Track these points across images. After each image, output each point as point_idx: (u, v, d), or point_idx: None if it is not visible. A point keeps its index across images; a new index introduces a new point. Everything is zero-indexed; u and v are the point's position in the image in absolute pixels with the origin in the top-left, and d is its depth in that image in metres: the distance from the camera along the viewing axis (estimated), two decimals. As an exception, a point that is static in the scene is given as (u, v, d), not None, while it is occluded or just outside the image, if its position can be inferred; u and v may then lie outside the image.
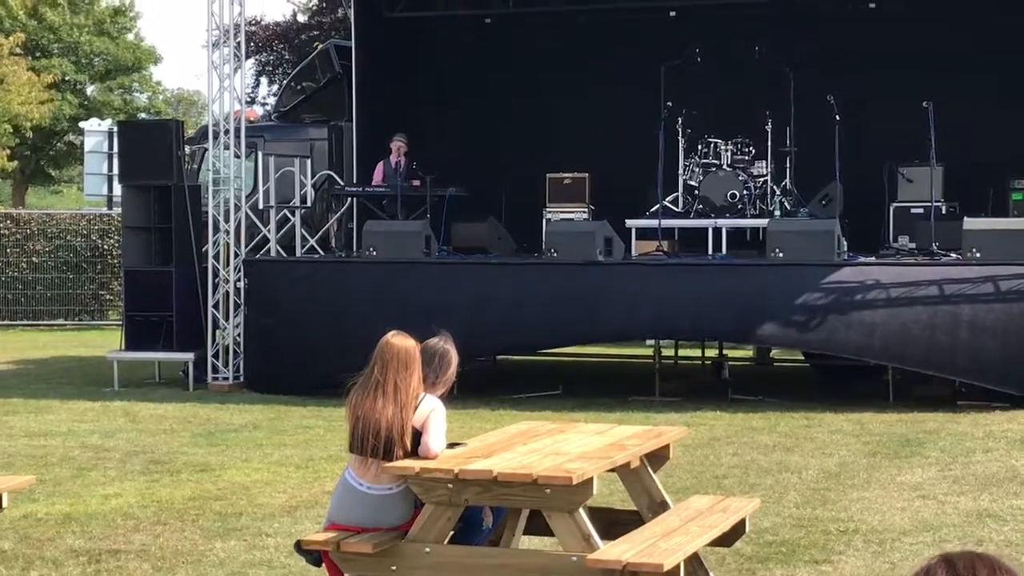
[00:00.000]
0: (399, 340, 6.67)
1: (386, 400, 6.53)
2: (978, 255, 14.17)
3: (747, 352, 18.80)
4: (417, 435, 6.56)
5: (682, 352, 17.71)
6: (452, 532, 6.63)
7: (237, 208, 16.82)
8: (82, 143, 31.58)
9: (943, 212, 15.96)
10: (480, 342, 15.14)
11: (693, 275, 15.05)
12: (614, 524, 7.11)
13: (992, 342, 13.93)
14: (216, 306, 16.74)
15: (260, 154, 18.67)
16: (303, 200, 17.56)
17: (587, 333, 15.61)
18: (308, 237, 17.69)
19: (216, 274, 16.76)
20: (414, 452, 6.55)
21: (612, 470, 6.91)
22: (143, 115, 44.73)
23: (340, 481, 6.73)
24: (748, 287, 14.63)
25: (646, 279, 15.07)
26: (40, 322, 26.76)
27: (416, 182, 17.33)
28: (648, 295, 14.85)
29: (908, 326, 14.11)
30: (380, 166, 17.93)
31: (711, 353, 17.57)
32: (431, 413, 6.60)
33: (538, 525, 6.82)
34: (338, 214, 19.09)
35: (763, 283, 14.61)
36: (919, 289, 14.14)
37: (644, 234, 16.61)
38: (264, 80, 33.91)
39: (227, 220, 16.75)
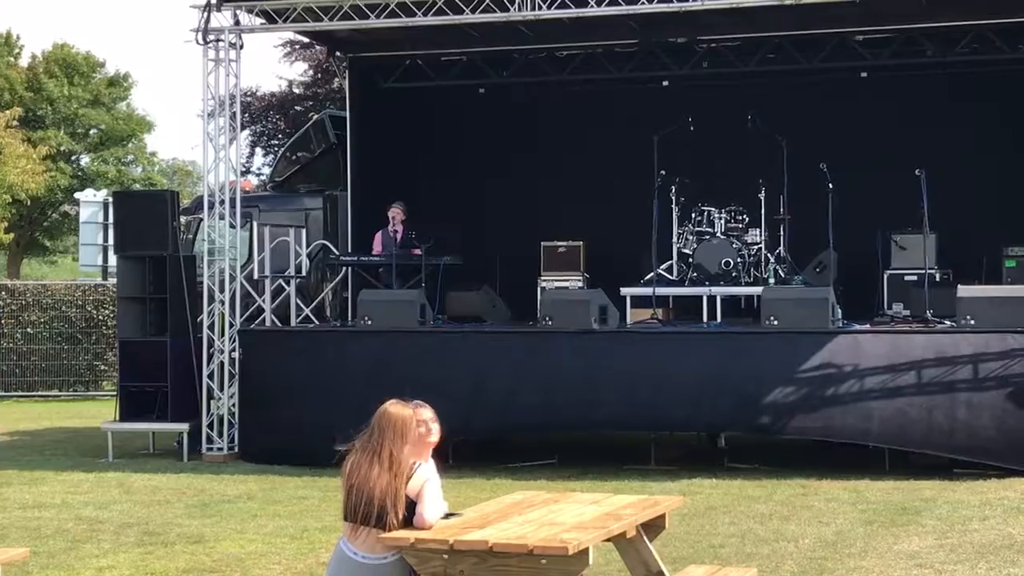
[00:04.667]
0: (397, 409, 6.70)
1: (381, 468, 6.52)
2: (972, 322, 14.17)
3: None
4: (412, 504, 6.55)
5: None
6: (447, 603, 6.60)
7: (232, 278, 16.82)
8: (77, 214, 31.68)
9: (937, 279, 16.02)
10: (476, 419, 15.07)
11: (689, 351, 14.93)
12: (610, 594, 7.09)
13: (990, 421, 13.92)
14: (211, 376, 16.70)
15: (255, 224, 18.70)
16: (298, 270, 17.57)
17: (584, 420, 15.42)
18: (303, 307, 17.69)
19: (211, 344, 16.74)
20: (408, 521, 6.53)
21: (608, 540, 6.89)
22: (138, 186, 44.88)
23: (335, 550, 6.71)
24: (745, 370, 14.52)
25: (642, 355, 14.95)
26: (35, 393, 26.69)
27: (416, 251, 17.35)
28: (644, 380, 14.72)
29: (905, 409, 14.08)
30: (379, 236, 17.96)
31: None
32: (425, 483, 6.59)
33: (534, 596, 6.78)
34: (333, 283, 19.11)
35: (760, 363, 14.51)
36: (915, 369, 14.13)
37: (639, 302, 16.61)
38: (259, 150, 34.04)
39: (222, 290, 16.75)
